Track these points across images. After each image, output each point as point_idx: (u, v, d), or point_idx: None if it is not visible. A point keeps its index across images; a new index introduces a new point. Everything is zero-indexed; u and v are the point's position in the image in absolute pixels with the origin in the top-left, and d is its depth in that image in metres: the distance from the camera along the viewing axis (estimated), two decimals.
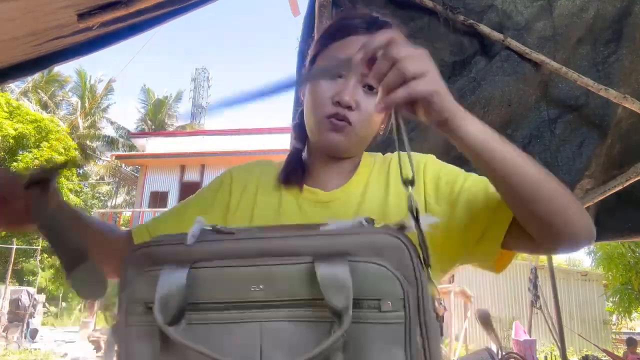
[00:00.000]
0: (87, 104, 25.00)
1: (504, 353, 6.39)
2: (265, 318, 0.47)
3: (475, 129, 0.56)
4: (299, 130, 0.82)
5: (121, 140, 25.42)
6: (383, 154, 0.85)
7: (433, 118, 0.55)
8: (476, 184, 0.71)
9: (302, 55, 1.89)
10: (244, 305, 0.48)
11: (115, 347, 0.50)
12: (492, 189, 0.66)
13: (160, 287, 0.47)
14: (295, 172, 0.79)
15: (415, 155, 0.75)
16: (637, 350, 7.13)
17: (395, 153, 0.67)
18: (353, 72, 0.70)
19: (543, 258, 8.29)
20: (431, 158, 0.79)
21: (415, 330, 0.45)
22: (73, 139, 22.41)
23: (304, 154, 0.83)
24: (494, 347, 6.54)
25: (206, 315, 0.48)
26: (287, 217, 0.74)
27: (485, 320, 6.23)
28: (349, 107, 0.71)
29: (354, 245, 0.47)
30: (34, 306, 12.99)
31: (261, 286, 0.47)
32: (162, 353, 0.47)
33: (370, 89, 0.72)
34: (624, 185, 1.78)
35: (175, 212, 0.83)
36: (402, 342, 0.44)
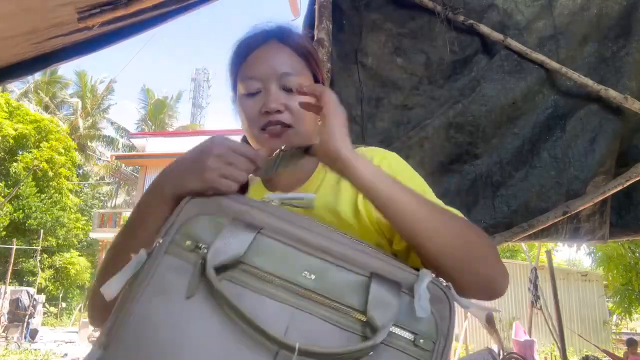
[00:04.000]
0: (87, 105, 25.01)
1: (505, 354, 6.38)
2: (302, 307, 0.49)
3: (365, 171, 0.61)
4: None
5: (121, 140, 25.43)
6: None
7: (326, 157, 0.63)
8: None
9: None
10: (287, 287, 0.49)
11: (138, 266, 0.50)
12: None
13: (222, 236, 0.50)
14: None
15: (377, 150, 0.80)
16: (638, 351, 7.12)
17: (357, 149, 0.75)
18: (268, 81, 0.76)
19: (543, 258, 8.28)
20: (394, 156, 0.81)
21: None
22: (73, 139, 22.41)
23: None
24: (495, 348, 6.53)
25: (247, 280, 0.49)
26: None
27: (489, 321, 6.23)
28: (278, 112, 0.74)
29: (407, 281, 0.53)
30: (34, 306, 12.98)
31: (313, 277, 0.50)
32: (186, 293, 0.48)
33: (290, 91, 0.76)
34: (624, 186, 1.77)
35: None
36: None
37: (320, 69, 0.83)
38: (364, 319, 0.49)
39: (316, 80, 0.82)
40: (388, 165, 0.76)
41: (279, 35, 0.79)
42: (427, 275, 0.53)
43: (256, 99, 0.76)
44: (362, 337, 0.48)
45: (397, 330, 0.49)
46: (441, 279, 0.55)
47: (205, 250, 0.50)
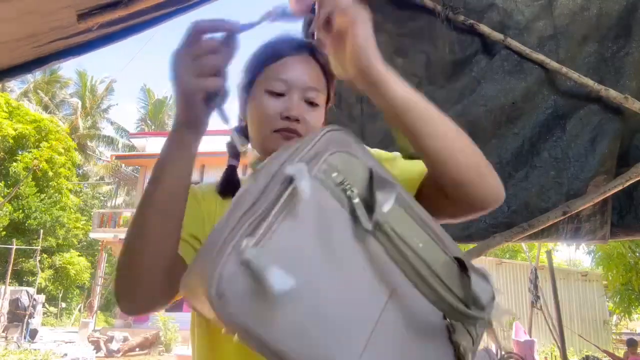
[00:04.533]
0: (87, 105, 25.01)
1: (503, 353, 6.39)
2: (410, 276, 0.51)
3: (400, 90, 0.60)
4: (234, 149, 0.87)
5: (121, 140, 25.44)
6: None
7: (362, 75, 0.59)
8: (407, 164, 0.78)
9: None
10: (404, 247, 0.51)
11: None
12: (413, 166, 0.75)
13: (379, 189, 0.50)
14: (234, 183, 0.85)
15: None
16: (638, 351, 7.13)
17: None
18: (295, 89, 0.78)
19: (543, 258, 8.28)
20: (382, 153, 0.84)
21: None
22: (73, 139, 22.41)
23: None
24: (493, 348, 6.53)
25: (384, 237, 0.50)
26: None
27: None
28: (297, 121, 0.76)
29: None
30: (34, 306, 12.98)
31: (420, 245, 0.52)
32: (352, 231, 0.48)
33: (310, 104, 0.79)
34: (624, 186, 1.76)
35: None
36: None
37: (333, 88, 0.86)
38: (458, 305, 0.51)
39: (328, 99, 0.85)
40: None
41: (312, 51, 0.82)
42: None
43: (278, 100, 0.78)
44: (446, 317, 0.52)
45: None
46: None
47: (352, 191, 0.49)
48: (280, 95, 0.78)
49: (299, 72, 0.79)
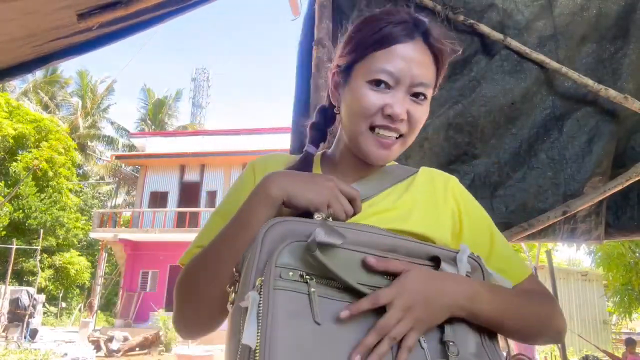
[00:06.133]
0: (87, 104, 25.01)
1: (510, 356, 6.38)
2: None
3: (487, 310, 0.62)
4: (317, 131, 0.82)
5: (121, 140, 25.43)
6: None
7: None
8: (504, 250, 0.78)
9: (301, 55, 1.89)
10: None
11: (252, 310, 0.51)
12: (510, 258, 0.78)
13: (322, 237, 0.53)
14: (307, 171, 0.78)
15: (437, 172, 0.83)
16: (636, 350, 7.13)
17: (421, 169, 0.84)
18: (402, 84, 0.70)
19: (543, 258, 8.29)
20: (456, 182, 0.82)
21: None
22: (73, 139, 22.40)
23: (329, 151, 0.84)
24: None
25: (336, 293, 0.55)
26: None
27: None
28: (401, 120, 0.70)
29: (452, 256, 0.65)
30: (34, 306, 12.98)
31: (391, 278, 0.58)
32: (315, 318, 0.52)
33: (416, 97, 0.72)
34: (624, 186, 1.77)
35: (216, 220, 0.77)
36: None
37: (442, 75, 0.78)
38: None
39: (435, 87, 0.77)
40: (452, 193, 0.78)
41: (426, 35, 0.72)
42: (466, 250, 0.65)
43: (381, 95, 0.70)
44: None
45: None
46: (476, 253, 0.67)
47: (309, 278, 0.54)
48: (382, 86, 0.69)
49: (409, 64, 0.69)
